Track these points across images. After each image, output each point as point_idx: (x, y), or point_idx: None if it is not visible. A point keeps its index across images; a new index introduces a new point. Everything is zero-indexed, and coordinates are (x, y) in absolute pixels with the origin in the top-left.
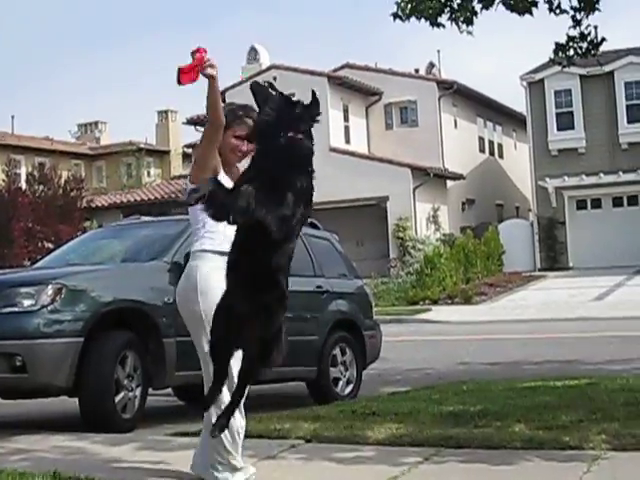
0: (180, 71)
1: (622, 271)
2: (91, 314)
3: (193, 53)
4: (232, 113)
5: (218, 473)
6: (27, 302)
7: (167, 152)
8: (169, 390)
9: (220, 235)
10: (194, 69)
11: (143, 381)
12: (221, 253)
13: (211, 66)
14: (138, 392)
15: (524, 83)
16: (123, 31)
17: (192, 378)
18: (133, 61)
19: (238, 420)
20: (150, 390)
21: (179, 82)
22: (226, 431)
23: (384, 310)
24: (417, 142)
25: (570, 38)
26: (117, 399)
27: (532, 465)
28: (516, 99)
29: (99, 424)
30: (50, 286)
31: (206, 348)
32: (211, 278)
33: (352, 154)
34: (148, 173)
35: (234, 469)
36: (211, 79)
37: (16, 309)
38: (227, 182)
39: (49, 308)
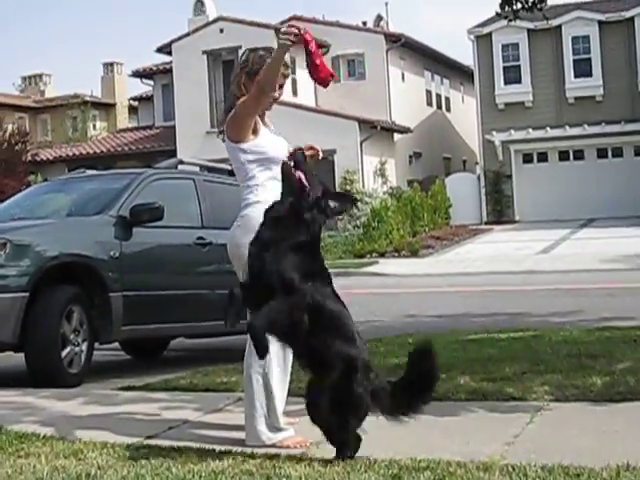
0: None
1: (567, 225)
2: (36, 269)
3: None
4: (261, 59)
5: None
6: None
7: (113, 105)
8: (116, 344)
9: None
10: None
11: (89, 336)
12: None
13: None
14: (84, 347)
15: (471, 37)
16: None
17: (139, 332)
18: (79, 11)
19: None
20: (97, 344)
21: (324, 82)
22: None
23: (332, 264)
24: (364, 95)
25: None
26: (63, 354)
27: (475, 416)
28: (464, 53)
29: (46, 379)
30: None
31: None
32: None
33: (299, 107)
34: (94, 126)
35: (275, 428)
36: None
37: None
38: (271, 137)
39: None
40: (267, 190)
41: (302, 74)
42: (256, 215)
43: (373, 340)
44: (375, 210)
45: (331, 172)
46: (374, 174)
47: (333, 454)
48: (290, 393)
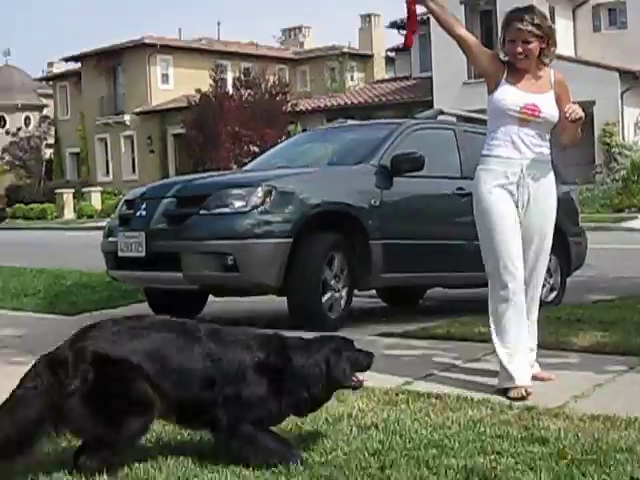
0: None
1: None
2: (299, 216)
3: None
4: (503, 21)
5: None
6: (238, 203)
7: (370, 56)
8: (373, 292)
9: (502, 142)
10: (412, 23)
11: (349, 282)
12: (498, 157)
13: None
14: (344, 292)
15: None
16: None
17: (397, 280)
18: None
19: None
20: (355, 291)
21: (407, 45)
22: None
23: (589, 217)
24: (626, 44)
25: None
26: (324, 299)
27: None
28: None
29: (306, 322)
30: (260, 188)
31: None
32: (481, 180)
33: (558, 57)
34: (351, 77)
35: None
36: (430, 10)
37: (227, 210)
38: (506, 91)
39: (259, 209)
40: (497, 145)
41: (561, 23)
42: (479, 173)
43: (632, 297)
44: (635, 163)
45: (590, 124)
46: (635, 126)
47: (592, 409)
48: (547, 346)
